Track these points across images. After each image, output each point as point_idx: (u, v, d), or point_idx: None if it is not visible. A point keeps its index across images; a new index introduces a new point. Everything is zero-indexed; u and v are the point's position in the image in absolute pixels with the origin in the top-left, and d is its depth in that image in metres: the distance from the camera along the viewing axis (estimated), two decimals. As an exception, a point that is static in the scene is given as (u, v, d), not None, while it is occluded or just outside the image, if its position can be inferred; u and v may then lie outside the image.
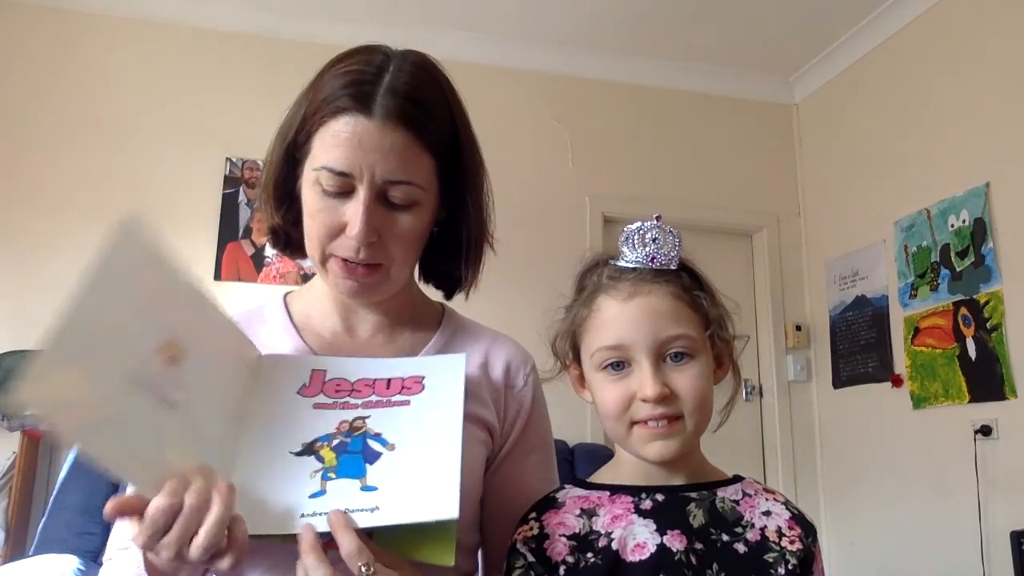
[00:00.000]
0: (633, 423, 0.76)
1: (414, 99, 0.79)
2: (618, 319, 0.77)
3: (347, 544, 0.65)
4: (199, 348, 0.72)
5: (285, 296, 0.95)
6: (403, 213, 0.80)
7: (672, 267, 0.79)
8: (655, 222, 0.80)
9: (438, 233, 0.88)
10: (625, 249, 0.80)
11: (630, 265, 0.79)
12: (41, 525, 2.10)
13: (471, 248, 0.90)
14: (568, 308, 0.84)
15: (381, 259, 0.81)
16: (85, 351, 0.63)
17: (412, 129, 0.78)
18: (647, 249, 0.79)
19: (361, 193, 0.78)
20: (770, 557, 0.75)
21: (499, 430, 0.89)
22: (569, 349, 0.83)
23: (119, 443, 0.64)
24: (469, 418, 0.82)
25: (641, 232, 0.79)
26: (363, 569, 0.64)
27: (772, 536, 0.76)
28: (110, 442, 0.64)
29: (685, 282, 0.79)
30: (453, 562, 0.70)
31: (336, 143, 0.78)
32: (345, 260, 0.81)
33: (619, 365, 0.77)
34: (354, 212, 0.78)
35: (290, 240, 0.89)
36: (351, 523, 0.67)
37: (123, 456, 0.64)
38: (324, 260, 0.82)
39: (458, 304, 0.98)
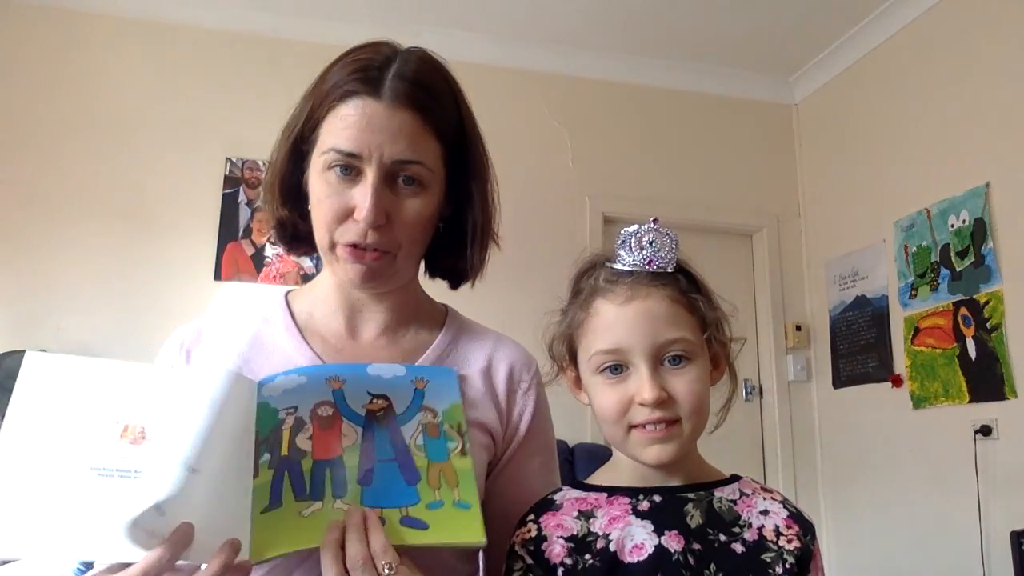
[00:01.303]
0: (631, 427, 0.76)
1: (422, 84, 0.81)
2: (615, 323, 0.76)
3: (376, 542, 0.65)
4: (166, 420, 0.72)
5: (286, 295, 0.94)
6: (411, 197, 0.81)
7: (669, 270, 0.79)
8: (652, 225, 0.80)
9: (444, 229, 0.88)
10: (622, 252, 0.79)
11: (627, 268, 0.79)
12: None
13: (476, 237, 0.90)
14: (564, 311, 0.83)
15: (388, 245, 0.81)
16: (26, 474, 0.66)
17: (420, 111, 0.80)
18: (644, 252, 0.78)
19: (369, 175, 0.78)
20: (768, 557, 0.75)
21: (502, 434, 0.89)
22: (566, 352, 0.83)
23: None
24: (471, 423, 0.82)
25: (638, 235, 0.79)
26: (386, 569, 0.64)
27: (770, 535, 0.76)
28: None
29: (682, 285, 0.79)
30: (485, 540, 0.72)
31: (345, 125, 0.79)
32: (354, 246, 0.81)
33: (617, 368, 0.77)
34: (362, 194, 0.78)
35: (297, 233, 0.89)
36: (378, 520, 0.68)
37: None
38: (332, 247, 0.82)
39: (459, 303, 0.98)
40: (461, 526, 0.72)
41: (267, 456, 0.73)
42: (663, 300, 0.77)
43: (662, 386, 0.75)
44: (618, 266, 0.79)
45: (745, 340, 0.85)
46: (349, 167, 0.79)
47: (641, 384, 0.75)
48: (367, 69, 0.80)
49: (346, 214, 0.80)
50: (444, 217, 0.88)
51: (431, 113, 0.81)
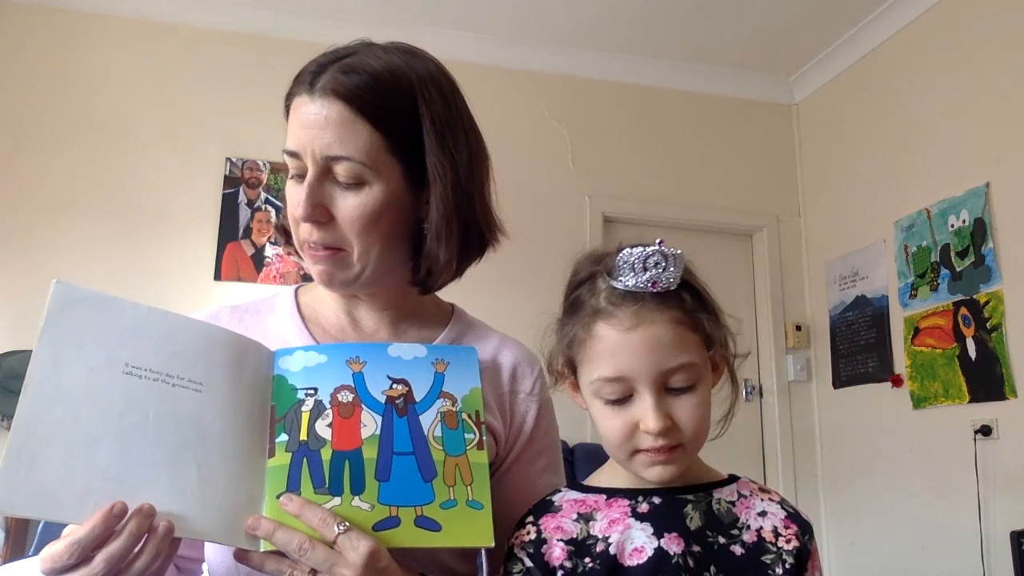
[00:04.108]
0: (636, 451, 0.76)
1: (358, 72, 0.78)
2: (619, 349, 0.74)
3: (314, 518, 0.67)
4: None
5: (297, 289, 0.95)
6: (349, 193, 0.79)
7: (673, 287, 0.76)
8: (657, 246, 0.76)
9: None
10: (626, 272, 0.76)
11: (631, 289, 0.75)
12: (41, 525, 2.09)
13: (436, 234, 0.83)
14: (562, 324, 0.81)
15: (334, 242, 0.81)
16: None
17: (348, 101, 0.77)
18: (649, 273, 0.75)
19: (308, 173, 0.79)
20: (767, 558, 0.75)
21: (505, 435, 0.88)
22: (566, 366, 0.81)
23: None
24: None
25: (643, 257, 0.75)
26: (338, 528, 0.67)
27: (769, 537, 0.76)
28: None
29: (687, 304, 0.76)
30: (493, 542, 0.72)
31: (290, 125, 0.81)
32: (310, 245, 0.81)
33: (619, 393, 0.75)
34: (300, 191, 0.79)
35: (289, 238, 0.89)
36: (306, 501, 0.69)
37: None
38: (302, 248, 0.84)
39: (458, 303, 0.98)
40: (472, 528, 0.72)
41: (285, 437, 0.72)
42: (668, 324, 0.74)
43: (667, 413, 0.74)
44: (620, 287, 0.76)
45: (749, 353, 0.83)
46: (300, 170, 0.80)
47: (645, 413, 0.73)
48: (316, 63, 0.80)
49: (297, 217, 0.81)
50: (426, 215, 0.84)
51: (361, 102, 0.77)
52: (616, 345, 0.74)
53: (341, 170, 0.78)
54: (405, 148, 0.81)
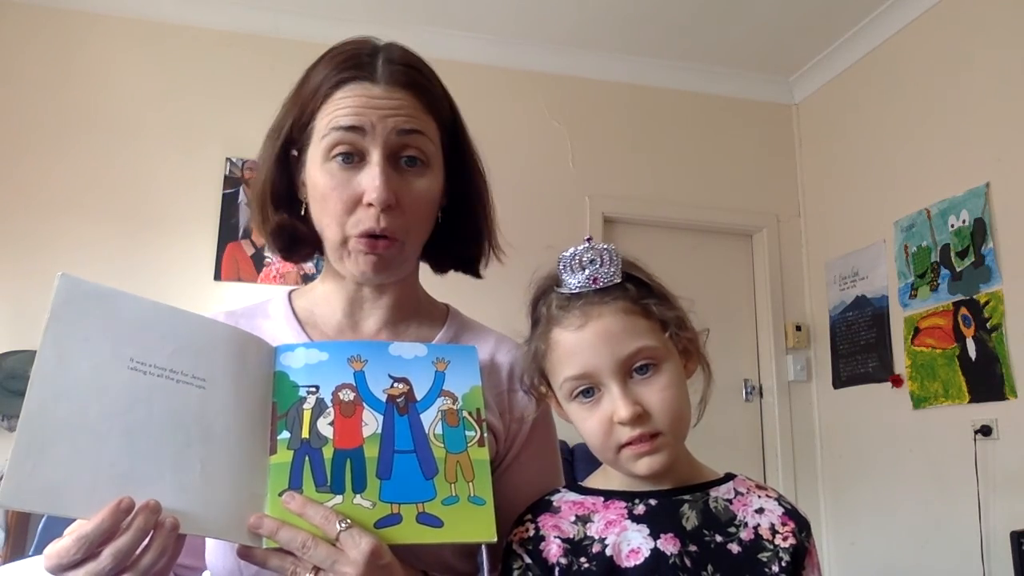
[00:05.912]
0: (619, 447, 0.76)
1: (413, 66, 0.82)
2: (576, 348, 0.76)
3: (316, 516, 0.67)
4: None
5: (289, 293, 0.95)
6: (416, 177, 0.81)
7: (616, 281, 0.78)
8: (587, 244, 0.79)
9: (443, 219, 0.88)
10: (566, 276, 0.79)
11: (574, 291, 0.78)
12: (41, 525, 2.09)
13: (483, 222, 0.92)
14: (528, 342, 0.83)
15: (398, 231, 0.80)
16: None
17: (417, 91, 0.81)
18: (586, 272, 0.78)
19: (373, 156, 0.77)
20: (764, 556, 0.75)
21: (504, 433, 0.88)
22: (539, 381, 0.83)
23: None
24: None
25: (576, 256, 0.78)
26: (340, 525, 0.67)
27: (766, 534, 0.77)
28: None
29: (633, 294, 0.78)
30: (496, 537, 0.72)
31: (344, 105, 0.78)
32: (367, 235, 0.79)
33: (589, 392, 0.77)
34: (370, 177, 0.77)
35: (296, 236, 0.88)
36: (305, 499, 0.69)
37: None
38: (344, 241, 0.81)
39: (458, 303, 0.99)
40: (474, 523, 0.72)
41: (287, 434, 0.72)
42: (617, 314, 0.76)
43: (636, 400, 0.75)
44: (565, 291, 0.79)
45: (708, 331, 0.84)
46: (351, 154, 0.78)
47: (615, 403, 0.75)
48: (358, 56, 0.81)
49: (355, 203, 0.78)
50: (443, 207, 0.88)
51: (427, 94, 0.82)
52: (573, 345, 0.77)
53: (414, 144, 0.79)
54: (448, 142, 0.86)
